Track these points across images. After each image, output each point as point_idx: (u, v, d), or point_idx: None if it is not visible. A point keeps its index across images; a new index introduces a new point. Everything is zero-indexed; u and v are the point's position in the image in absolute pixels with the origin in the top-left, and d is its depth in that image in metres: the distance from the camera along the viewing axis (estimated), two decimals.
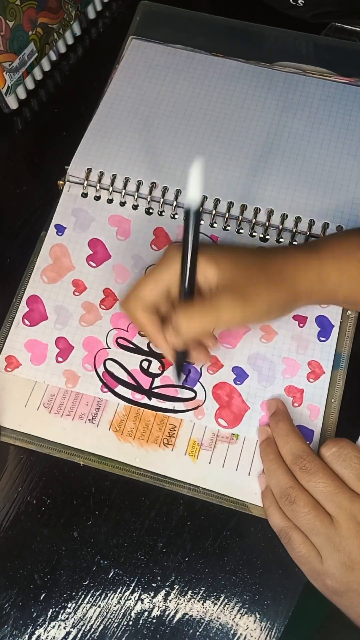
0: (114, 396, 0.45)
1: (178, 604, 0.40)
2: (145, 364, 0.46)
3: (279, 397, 0.45)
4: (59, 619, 0.40)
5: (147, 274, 0.41)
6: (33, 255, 0.49)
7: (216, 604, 0.40)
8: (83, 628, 0.40)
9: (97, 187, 0.51)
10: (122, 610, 0.40)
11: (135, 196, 0.50)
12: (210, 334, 0.43)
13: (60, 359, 0.46)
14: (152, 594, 0.41)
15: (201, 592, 0.41)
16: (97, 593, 0.41)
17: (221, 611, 0.40)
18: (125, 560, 0.41)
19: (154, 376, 0.45)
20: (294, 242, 0.49)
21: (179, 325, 0.39)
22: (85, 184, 0.51)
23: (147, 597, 0.40)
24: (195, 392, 0.45)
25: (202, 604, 0.40)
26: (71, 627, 0.40)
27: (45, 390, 0.45)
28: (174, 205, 0.50)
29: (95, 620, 0.40)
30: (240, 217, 0.49)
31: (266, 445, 0.42)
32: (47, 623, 0.40)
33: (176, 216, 0.50)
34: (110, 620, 0.40)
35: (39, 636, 0.40)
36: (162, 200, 0.50)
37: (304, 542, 0.38)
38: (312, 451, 0.40)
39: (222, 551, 0.41)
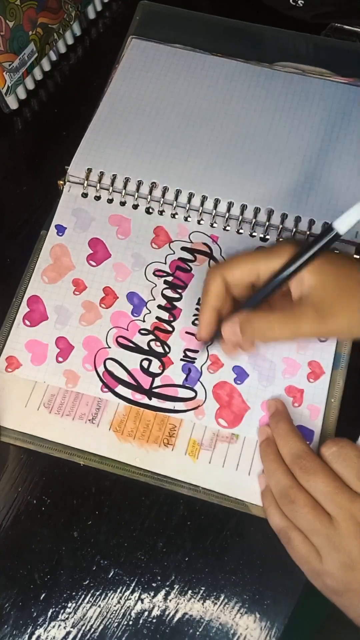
0: (114, 396, 0.45)
1: (178, 604, 0.40)
2: (145, 364, 0.46)
3: (279, 397, 0.44)
4: (59, 619, 0.40)
5: (246, 254, 0.40)
6: (33, 255, 0.49)
7: (216, 603, 0.40)
8: (83, 628, 0.40)
9: (98, 187, 0.51)
10: (122, 610, 0.40)
11: (136, 196, 0.50)
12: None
13: (60, 359, 0.46)
14: (152, 594, 0.41)
15: (201, 592, 0.41)
16: (97, 593, 0.41)
17: (221, 611, 0.40)
18: (125, 560, 0.41)
19: (154, 376, 0.45)
20: None
21: (255, 330, 0.39)
22: (85, 184, 0.51)
23: (147, 597, 0.40)
24: (195, 391, 0.45)
25: (202, 604, 0.40)
26: (71, 627, 0.40)
27: (46, 390, 0.45)
28: (174, 204, 0.50)
29: (95, 620, 0.40)
30: (241, 217, 0.49)
31: (266, 445, 0.42)
32: (47, 623, 0.40)
33: (176, 216, 0.50)
34: (110, 620, 0.40)
35: (39, 636, 0.40)
36: (162, 200, 0.50)
37: (303, 542, 0.38)
38: (312, 451, 0.40)
39: (222, 551, 0.41)
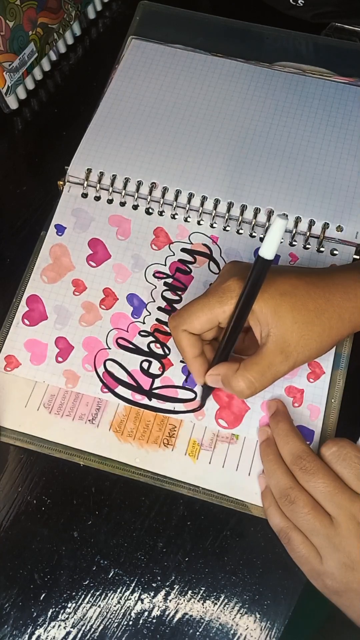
0: (114, 397, 0.45)
1: (178, 604, 0.40)
2: (145, 365, 0.46)
3: (279, 397, 0.45)
4: (59, 619, 0.40)
5: (200, 303, 0.40)
6: (33, 255, 0.49)
7: (216, 604, 0.40)
8: (83, 628, 0.40)
9: (97, 188, 0.51)
10: (122, 610, 0.40)
11: (135, 196, 0.50)
12: None
13: (60, 359, 0.46)
14: (152, 594, 0.41)
15: (201, 592, 0.41)
16: (97, 593, 0.41)
17: (221, 611, 0.40)
18: (125, 560, 0.41)
19: (154, 377, 0.45)
20: (294, 243, 0.49)
21: (238, 390, 0.39)
22: (85, 184, 0.51)
23: (147, 597, 0.41)
24: (195, 392, 0.45)
25: (202, 604, 0.40)
26: (71, 627, 0.40)
27: (46, 391, 0.45)
28: (174, 205, 0.50)
29: (95, 620, 0.40)
30: (240, 217, 0.49)
31: (266, 445, 0.42)
32: (47, 623, 0.40)
33: (176, 216, 0.50)
34: (110, 620, 0.40)
35: (39, 636, 0.40)
36: (162, 200, 0.50)
37: (303, 543, 0.38)
38: (312, 451, 0.40)
39: (222, 551, 0.41)
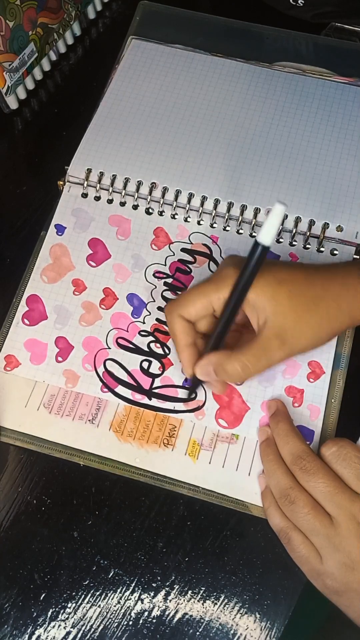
0: (114, 396, 0.45)
1: (178, 604, 0.40)
2: (145, 364, 0.46)
3: (280, 397, 0.45)
4: (59, 619, 0.40)
5: (196, 289, 0.40)
6: (33, 255, 0.49)
7: (216, 604, 0.40)
8: (83, 628, 0.40)
9: (97, 188, 0.51)
10: (122, 610, 0.40)
11: (135, 196, 0.50)
12: None
13: (60, 359, 0.46)
14: (152, 594, 0.41)
15: (201, 592, 0.41)
16: (97, 593, 0.41)
17: (221, 611, 0.40)
18: (125, 560, 0.41)
19: (154, 376, 0.45)
20: (294, 243, 0.49)
21: (230, 374, 0.39)
22: (85, 184, 0.51)
23: (147, 597, 0.40)
24: (196, 392, 0.45)
25: (202, 604, 0.40)
26: (71, 627, 0.40)
27: (46, 391, 0.45)
28: (174, 205, 0.50)
29: (95, 620, 0.40)
30: (240, 217, 0.49)
31: (266, 445, 0.42)
32: (47, 623, 0.40)
33: (176, 216, 0.50)
34: (110, 620, 0.40)
35: (39, 636, 0.40)
36: (162, 200, 0.50)
37: (303, 543, 0.38)
38: (312, 451, 0.40)
39: (222, 551, 0.41)
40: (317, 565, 0.38)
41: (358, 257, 0.49)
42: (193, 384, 0.44)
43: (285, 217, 0.49)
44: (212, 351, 0.41)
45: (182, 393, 0.45)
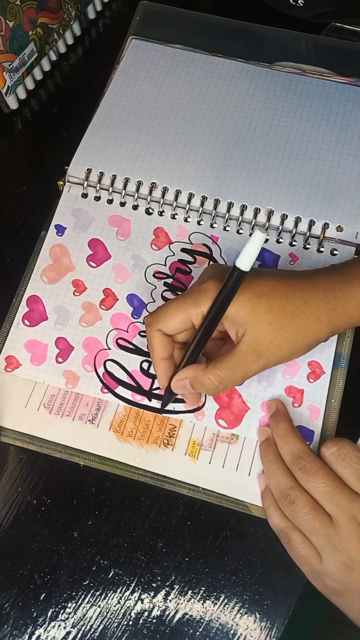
0: (114, 397, 0.45)
1: (178, 604, 0.40)
2: (145, 365, 0.46)
3: (280, 397, 0.45)
4: (59, 619, 0.40)
5: (176, 303, 0.40)
6: (33, 255, 0.49)
7: (216, 604, 0.40)
8: (83, 628, 0.40)
9: (97, 188, 0.51)
10: (122, 610, 0.40)
11: (135, 196, 0.50)
12: None
13: (60, 360, 0.46)
14: (152, 594, 0.41)
15: (201, 592, 0.41)
16: (97, 593, 0.41)
17: (221, 611, 0.40)
18: (125, 560, 0.41)
19: (154, 377, 0.45)
20: (294, 243, 0.49)
21: (206, 387, 0.39)
22: (85, 185, 0.51)
23: (147, 597, 0.41)
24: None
25: (202, 604, 0.40)
26: (71, 627, 0.40)
27: (46, 391, 0.45)
28: (174, 205, 0.50)
29: (95, 620, 0.40)
30: (240, 217, 0.49)
31: (266, 445, 0.42)
32: (47, 623, 0.40)
33: (176, 216, 0.50)
34: (110, 620, 0.40)
35: (39, 636, 0.40)
36: (162, 200, 0.50)
37: (303, 543, 0.38)
38: (312, 451, 0.40)
39: (222, 551, 0.41)
40: (317, 565, 0.38)
41: (358, 257, 0.49)
42: (166, 396, 0.44)
43: (285, 217, 0.49)
44: (189, 364, 0.41)
45: None
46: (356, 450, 0.39)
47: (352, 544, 0.37)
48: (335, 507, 0.38)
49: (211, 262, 0.49)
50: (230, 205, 0.50)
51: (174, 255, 0.49)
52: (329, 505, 0.38)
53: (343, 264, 0.44)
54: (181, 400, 0.44)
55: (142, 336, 0.46)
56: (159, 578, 0.41)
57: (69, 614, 0.40)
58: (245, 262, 0.36)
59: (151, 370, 0.46)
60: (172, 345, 0.42)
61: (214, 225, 0.50)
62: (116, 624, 0.40)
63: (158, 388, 0.45)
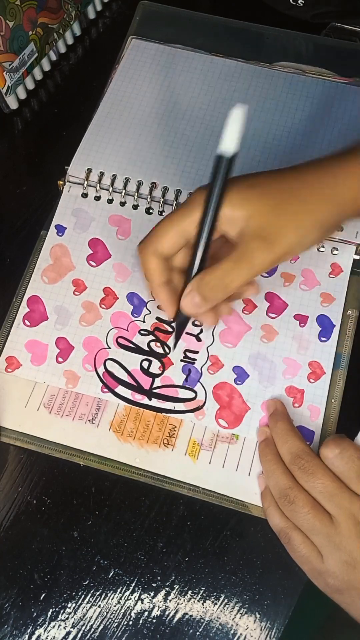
0: (114, 396, 0.45)
1: (178, 604, 0.40)
2: (145, 364, 0.46)
3: (280, 397, 0.44)
4: (59, 619, 0.40)
5: (167, 220, 0.37)
6: (33, 255, 0.49)
7: (216, 604, 0.40)
8: (83, 628, 0.40)
9: (97, 187, 0.51)
10: (122, 610, 0.40)
11: (136, 196, 0.50)
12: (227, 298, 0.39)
13: (60, 359, 0.46)
14: (152, 594, 0.41)
15: (201, 592, 0.41)
16: (97, 593, 0.41)
17: (221, 611, 0.40)
18: (125, 560, 0.41)
19: (154, 376, 0.45)
20: None
21: (214, 288, 0.36)
22: (85, 184, 0.51)
23: (147, 597, 0.40)
24: (195, 392, 0.45)
25: (202, 604, 0.40)
26: (71, 627, 0.40)
27: (46, 391, 0.45)
28: (174, 205, 0.50)
29: (95, 620, 0.40)
30: None
31: (265, 445, 0.42)
32: (47, 623, 0.40)
33: None
34: (110, 620, 0.40)
35: (39, 636, 0.40)
36: (162, 200, 0.50)
37: (304, 542, 0.38)
38: (311, 451, 0.40)
39: (222, 551, 0.41)
40: (318, 564, 0.38)
41: (358, 257, 0.49)
42: (178, 325, 0.41)
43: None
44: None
45: (182, 393, 0.45)
46: (357, 450, 0.39)
47: (353, 542, 0.37)
48: (335, 507, 0.38)
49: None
50: None
51: None
52: (328, 504, 0.38)
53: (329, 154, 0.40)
54: (180, 400, 0.44)
55: (142, 335, 0.46)
56: (159, 578, 0.41)
57: (69, 614, 0.40)
58: (229, 144, 0.32)
59: (151, 370, 0.45)
60: (170, 269, 0.39)
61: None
62: (116, 624, 0.40)
63: (158, 387, 0.45)
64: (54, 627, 0.40)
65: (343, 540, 0.37)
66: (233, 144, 0.33)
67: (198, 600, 0.40)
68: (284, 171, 0.38)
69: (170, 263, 0.40)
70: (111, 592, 0.41)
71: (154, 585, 0.41)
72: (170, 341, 0.44)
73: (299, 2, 0.59)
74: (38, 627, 0.40)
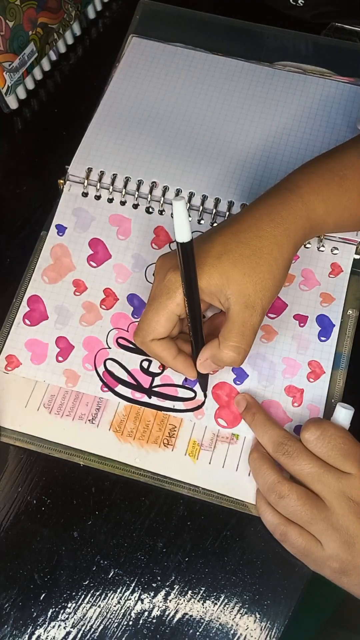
0: (114, 395, 0.45)
1: (178, 604, 0.40)
2: (145, 364, 0.46)
3: (279, 397, 0.44)
4: (59, 619, 0.40)
5: (152, 307, 0.40)
6: (33, 255, 0.49)
7: (216, 604, 0.40)
8: (83, 628, 0.40)
9: (98, 187, 0.51)
10: (122, 610, 0.40)
11: (136, 195, 0.50)
12: None
13: (60, 359, 0.46)
14: (152, 594, 0.41)
15: (201, 592, 0.41)
16: (97, 593, 0.41)
17: (221, 611, 0.40)
18: (125, 560, 0.41)
19: (154, 375, 0.45)
20: None
21: (230, 360, 0.39)
22: (85, 184, 0.51)
23: (147, 597, 0.40)
24: (195, 392, 0.45)
25: (202, 604, 0.40)
26: (71, 627, 0.40)
27: (46, 391, 0.45)
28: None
29: (95, 620, 0.40)
30: None
31: (253, 447, 0.43)
32: (47, 623, 0.40)
33: None
34: (110, 620, 0.40)
35: (39, 636, 0.40)
36: (162, 199, 0.50)
37: (301, 534, 0.39)
38: (292, 435, 0.41)
39: (222, 551, 0.41)
40: (319, 553, 0.38)
41: (358, 256, 0.49)
42: (201, 383, 0.44)
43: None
44: (201, 347, 0.41)
45: (182, 392, 0.45)
46: (337, 429, 0.39)
47: (349, 519, 0.37)
48: (324, 487, 0.38)
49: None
50: (230, 205, 0.50)
51: None
52: (317, 485, 0.38)
53: (274, 186, 0.44)
54: (180, 399, 0.44)
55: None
56: (159, 578, 0.41)
57: (69, 614, 0.40)
58: (182, 234, 0.36)
59: (151, 369, 0.45)
60: (173, 342, 0.42)
61: (215, 224, 0.50)
62: (116, 624, 0.40)
63: (158, 386, 0.45)
64: (54, 627, 0.40)
65: (339, 520, 0.37)
66: (185, 234, 0.36)
67: (198, 600, 0.40)
68: (239, 230, 0.40)
69: (170, 334, 0.42)
70: (111, 592, 0.41)
71: (154, 585, 0.41)
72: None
73: (299, 2, 0.59)
74: (38, 627, 0.40)
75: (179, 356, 0.42)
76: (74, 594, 0.40)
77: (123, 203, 0.51)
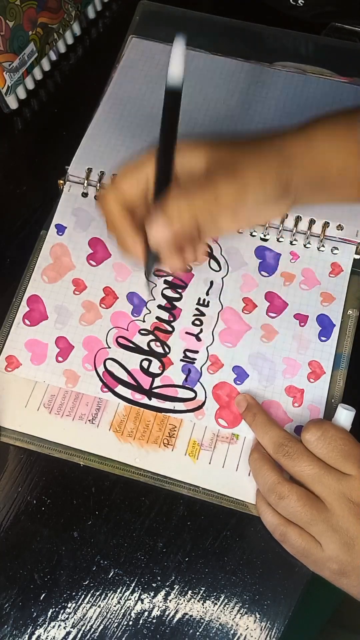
0: (114, 396, 0.45)
1: (178, 604, 0.40)
2: (145, 364, 0.46)
3: (280, 396, 0.44)
4: (59, 619, 0.40)
5: (127, 166, 0.38)
6: (33, 255, 0.49)
7: (216, 604, 0.40)
8: (83, 628, 0.40)
9: (98, 187, 0.51)
10: (122, 610, 0.40)
11: None
12: (199, 239, 0.40)
13: (60, 359, 0.46)
14: (152, 594, 0.40)
15: (201, 592, 0.41)
16: (97, 593, 0.41)
17: (221, 611, 0.40)
18: (125, 560, 0.41)
19: (154, 376, 0.45)
20: (294, 242, 0.49)
21: (175, 209, 0.36)
22: (85, 184, 0.51)
23: (147, 597, 0.40)
24: (195, 392, 0.45)
25: (202, 604, 0.40)
26: (71, 627, 0.40)
27: (46, 391, 0.45)
28: None
29: (95, 620, 0.40)
30: None
31: (253, 447, 0.43)
32: (47, 623, 0.40)
33: None
34: (110, 620, 0.40)
35: (39, 636, 0.40)
36: None
37: (300, 535, 0.39)
38: (292, 436, 0.41)
39: (222, 551, 0.41)
40: (318, 554, 0.38)
41: (359, 256, 0.49)
42: (147, 264, 0.41)
43: (286, 215, 0.49)
44: (157, 200, 0.37)
45: (182, 392, 0.45)
46: (337, 430, 0.39)
47: (349, 521, 0.37)
48: (324, 488, 0.38)
49: (212, 261, 0.49)
50: None
51: None
52: (317, 486, 0.38)
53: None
54: (180, 399, 0.44)
55: (142, 334, 0.46)
56: (159, 578, 0.41)
57: (69, 614, 0.40)
58: (174, 74, 0.33)
59: (151, 369, 0.45)
60: (130, 214, 0.39)
61: None
62: (116, 624, 0.40)
63: (158, 387, 0.45)
64: (54, 627, 0.40)
65: (339, 521, 0.37)
66: (178, 76, 0.34)
67: (198, 600, 0.40)
68: (235, 135, 0.39)
69: (135, 214, 0.39)
70: (111, 592, 0.41)
71: (154, 585, 0.41)
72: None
73: (299, 2, 0.59)
74: (38, 627, 0.40)
75: (133, 231, 0.39)
76: (74, 594, 0.40)
77: None
